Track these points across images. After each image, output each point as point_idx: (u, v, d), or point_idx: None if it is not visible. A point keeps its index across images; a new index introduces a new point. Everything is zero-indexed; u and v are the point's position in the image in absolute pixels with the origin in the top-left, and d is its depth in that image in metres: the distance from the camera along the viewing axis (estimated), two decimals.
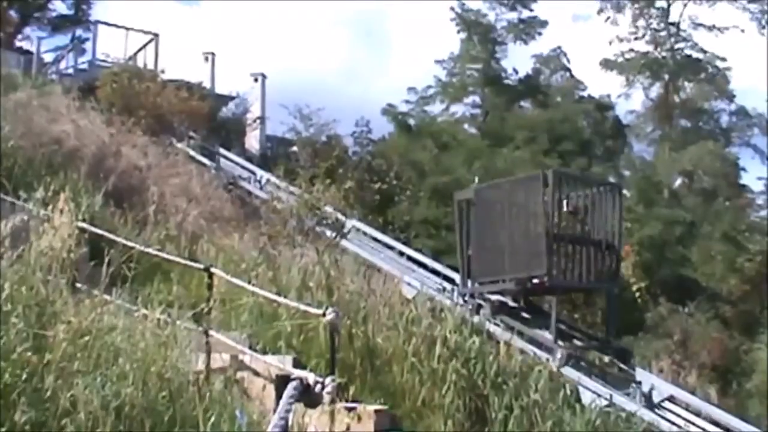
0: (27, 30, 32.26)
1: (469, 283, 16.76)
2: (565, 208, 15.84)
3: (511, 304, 16.72)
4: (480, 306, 16.02)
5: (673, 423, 14.50)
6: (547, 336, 15.13)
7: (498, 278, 16.34)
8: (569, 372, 13.99)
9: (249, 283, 11.33)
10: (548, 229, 15.34)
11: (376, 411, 9.79)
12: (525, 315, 16.27)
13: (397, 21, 72.35)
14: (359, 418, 9.45)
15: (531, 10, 45.97)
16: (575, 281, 16.15)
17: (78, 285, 8.80)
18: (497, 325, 14.95)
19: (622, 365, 15.66)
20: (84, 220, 10.71)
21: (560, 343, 15.03)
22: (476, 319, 14.51)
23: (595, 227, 16.07)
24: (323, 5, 66.34)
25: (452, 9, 45.12)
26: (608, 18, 47.97)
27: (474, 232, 16.78)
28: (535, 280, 15.66)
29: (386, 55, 71.52)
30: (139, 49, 27.34)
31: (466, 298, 16.48)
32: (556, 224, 15.55)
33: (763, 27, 45.67)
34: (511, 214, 16.33)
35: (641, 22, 47.45)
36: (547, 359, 13.91)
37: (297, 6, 68.74)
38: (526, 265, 15.68)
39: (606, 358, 15.72)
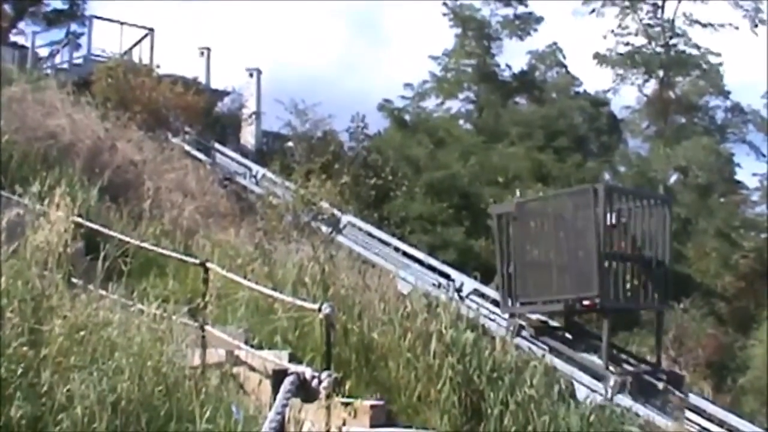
0: (22, 24, 32.16)
1: (510, 303, 15.74)
2: (609, 222, 14.75)
3: (552, 323, 15.97)
4: (522, 327, 15.25)
5: None
6: (597, 361, 14.32)
7: (543, 299, 15.39)
8: (622, 400, 13.39)
9: (245, 278, 11.35)
10: (599, 246, 14.33)
11: (371, 406, 9.82)
12: (568, 336, 15.52)
13: (394, 15, 72.31)
14: (355, 413, 9.46)
15: (526, 6, 45.97)
16: (626, 302, 15.29)
17: (74, 280, 8.79)
18: (543, 348, 14.44)
19: (675, 391, 14.64)
20: (80, 215, 10.69)
21: (611, 368, 14.12)
22: (518, 341, 14.33)
23: (645, 243, 15.12)
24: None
25: (445, 4, 45.10)
26: (593, 10, 47.90)
27: (515, 248, 15.70)
28: (586, 302, 14.74)
29: (383, 49, 71.53)
30: (135, 44, 27.30)
31: (506, 318, 15.78)
32: (607, 241, 14.55)
33: (756, 25, 45.71)
34: (557, 230, 15.35)
35: (634, 17, 47.42)
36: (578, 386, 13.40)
37: (291, 1, 68.65)
38: (576, 285, 14.74)
39: (659, 384, 14.59)
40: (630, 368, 14.83)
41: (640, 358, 16.20)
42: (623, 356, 15.52)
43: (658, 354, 15.90)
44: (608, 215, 14.58)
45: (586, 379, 14.09)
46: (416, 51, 65.81)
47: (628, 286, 14.92)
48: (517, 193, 19.18)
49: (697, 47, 46.63)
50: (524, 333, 15.15)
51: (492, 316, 16.10)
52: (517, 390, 11.23)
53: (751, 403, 24.47)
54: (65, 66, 27.48)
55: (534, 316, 15.66)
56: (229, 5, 66.52)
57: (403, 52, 68.88)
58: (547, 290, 15.25)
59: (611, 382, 13.70)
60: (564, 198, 16.54)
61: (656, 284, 15.14)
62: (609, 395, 13.30)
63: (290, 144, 28.47)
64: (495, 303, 16.91)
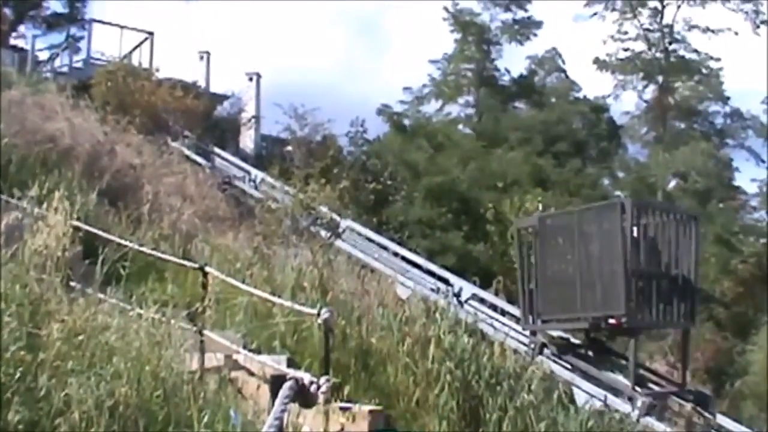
0: (21, 28, 32.23)
1: (531, 320, 15.18)
2: (634, 235, 14.09)
3: (573, 340, 15.47)
4: (544, 345, 14.86)
5: None
6: (623, 381, 13.85)
7: (567, 316, 14.83)
8: (650, 422, 13.11)
9: (243, 282, 11.34)
10: (626, 263, 13.75)
11: (370, 411, 9.79)
12: (589, 353, 15.07)
13: (394, 19, 72.43)
14: (354, 419, 9.45)
15: (526, 11, 46.07)
16: (653, 320, 14.72)
17: (72, 284, 8.78)
18: (566, 367, 14.18)
19: (703, 412, 14.12)
20: (78, 219, 10.68)
21: (638, 389, 13.60)
22: (539, 359, 14.10)
23: (672, 260, 14.52)
24: (319, 4, 66.36)
25: (445, 9, 45.20)
26: (594, 14, 48.03)
27: (538, 264, 15.16)
28: (612, 321, 14.12)
29: (383, 53, 71.61)
30: (134, 48, 27.30)
31: (527, 335, 15.29)
32: (634, 258, 13.97)
33: (758, 26, 45.76)
34: (581, 246, 14.70)
35: (634, 22, 47.51)
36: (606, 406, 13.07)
37: (293, 4, 68.73)
38: (601, 303, 14.12)
39: (687, 405, 14.01)
40: (656, 388, 14.40)
41: (666, 377, 15.76)
42: (648, 374, 15.07)
43: (684, 374, 15.30)
44: (635, 230, 14.02)
45: (586, 385, 14.07)
46: (417, 55, 66.07)
47: (654, 303, 14.23)
48: (539, 207, 18.57)
49: (697, 52, 46.73)
50: (546, 351, 14.73)
51: (506, 330, 15.50)
52: (516, 395, 11.22)
53: (750, 408, 24.43)
54: (65, 69, 27.49)
55: (554, 333, 15.27)
56: (229, 9, 66.67)
57: (403, 56, 69.06)
58: (570, 307, 14.65)
59: (639, 404, 13.25)
60: (589, 212, 15.90)
61: (683, 302, 14.54)
62: (637, 417, 12.89)
63: (289, 148, 28.44)
64: (498, 310, 16.89)
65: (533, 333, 15.18)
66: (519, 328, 15.58)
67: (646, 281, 14.16)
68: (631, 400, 13.35)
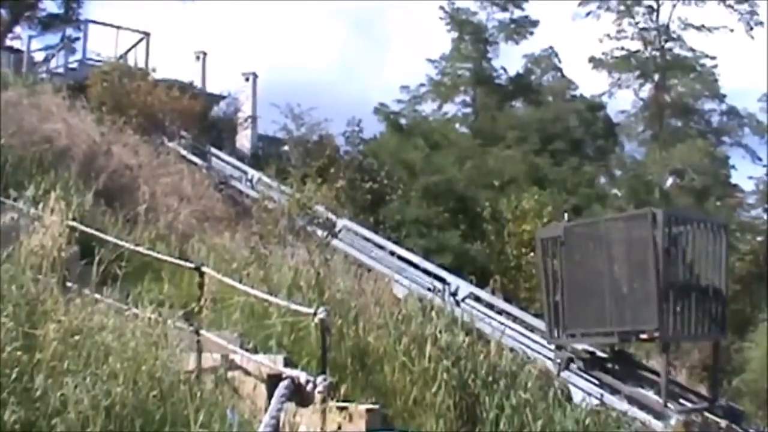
0: (17, 29, 32.15)
1: (557, 334, 14.77)
2: (659, 246, 13.60)
3: (598, 353, 14.98)
4: (571, 360, 14.56)
5: None
6: (653, 397, 13.55)
7: (595, 330, 14.41)
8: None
9: (240, 282, 11.34)
10: (658, 275, 13.31)
11: (367, 410, 9.81)
12: (614, 366, 14.73)
13: (392, 18, 72.47)
14: (351, 417, 9.46)
15: (522, 10, 46.11)
16: (685, 334, 14.37)
17: (68, 284, 8.79)
18: (594, 383, 13.97)
19: (738, 429, 13.89)
20: (74, 219, 10.69)
21: (671, 405, 13.37)
22: (565, 374, 13.98)
23: (702, 271, 14.14)
24: (316, 3, 66.34)
25: (441, 8, 45.24)
26: (589, 13, 48.07)
27: (564, 275, 14.68)
28: (643, 335, 13.85)
29: (380, 53, 71.57)
30: (130, 48, 27.25)
31: (552, 349, 15.07)
32: (666, 270, 13.51)
33: (751, 27, 45.82)
34: (610, 257, 14.33)
35: (630, 21, 47.54)
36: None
37: (289, 4, 68.67)
38: (632, 316, 13.73)
39: (721, 422, 13.74)
40: (688, 404, 14.08)
41: (695, 391, 15.46)
42: (677, 389, 14.69)
43: (715, 388, 15.15)
44: (666, 241, 13.60)
45: (583, 383, 14.08)
46: (414, 54, 65.85)
47: (686, 316, 13.82)
48: (565, 217, 18.20)
49: (692, 51, 46.76)
50: (574, 366, 14.45)
51: (530, 343, 15.62)
52: (513, 394, 11.24)
53: (748, 405, 24.43)
54: (61, 70, 27.46)
55: (580, 346, 14.94)
56: (226, 9, 66.65)
57: (400, 55, 68.98)
58: (599, 321, 14.19)
59: (672, 421, 13.04)
60: (618, 222, 15.52)
61: (713, 313, 14.20)
62: None
63: (286, 148, 28.45)
64: (494, 309, 16.87)
65: (558, 347, 14.83)
66: (541, 340, 15.44)
67: (677, 293, 13.68)
68: (662, 417, 13.05)
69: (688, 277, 14.03)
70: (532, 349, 15.13)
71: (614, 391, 13.65)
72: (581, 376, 14.19)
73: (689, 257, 14.06)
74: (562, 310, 14.58)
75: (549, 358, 14.93)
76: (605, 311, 14.02)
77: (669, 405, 13.27)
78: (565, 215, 18.42)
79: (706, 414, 13.82)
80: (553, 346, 15.13)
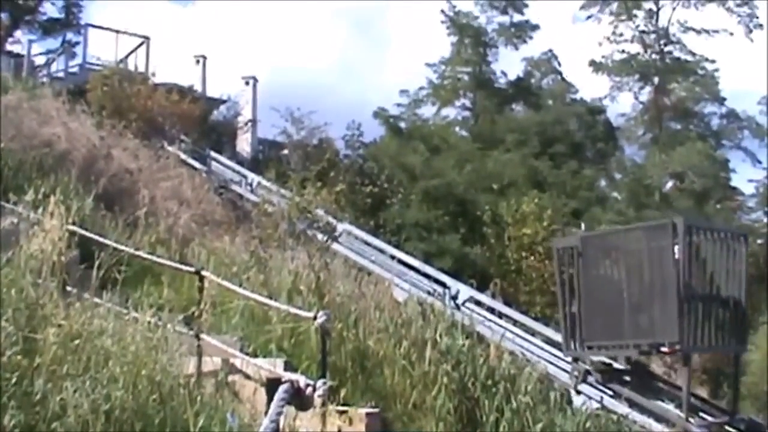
0: (18, 33, 32.21)
1: (574, 346, 14.56)
2: (677, 256, 13.34)
3: (615, 364, 14.69)
4: (588, 372, 14.32)
5: None
6: (674, 411, 13.39)
7: (614, 342, 14.14)
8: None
9: (240, 286, 11.34)
10: (679, 287, 13.06)
11: (367, 413, 9.81)
12: (632, 378, 14.47)
13: (392, 21, 72.46)
14: (351, 421, 9.46)
15: (523, 14, 46.15)
16: (706, 346, 14.13)
17: (68, 288, 8.79)
18: (610, 395, 13.82)
19: None
20: (74, 223, 10.68)
21: (692, 420, 13.12)
22: (582, 387, 13.92)
23: (722, 282, 13.84)
24: (316, 6, 66.44)
25: (442, 11, 45.27)
26: (590, 16, 48.17)
27: (581, 287, 14.43)
28: (664, 348, 13.53)
29: (381, 55, 71.61)
30: (130, 52, 27.31)
31: (569, 361, 14.86)
32: (686, 281, 13.22)
33: (751, 30, 45.87)
34: (629, 268, 14.03)
35: (629, 24, 47.57)
36: None
37: (289, 7, 68.77)
38: (652, 329, 13.50)
39: None
40: (709, 418, 13.80)
41: (715, 404, 15.24)
42: (697, 402, 14.37)
43: (735, 402, 14.90)
44: (686, 251, 13.34)
45: (582, 386, 14.07)
46: (414, 57, 66.04)
47: (707, 328, 13.52)
48: (582, 227, 17.95)
49: (692, 54, 46.79)
50: (591, 379, 14.27)
51: (545, 355, 15.54)
52: (513, 397, 11.23)
53: (748, 408, 24.40)
54: (61, 74, 27.51)
55: (596, 358, 14.69)
56: (225, 13, 66.69)
57: (401, 58, 69.00)
58: (617, 333, 13.96)
59: None
60: (637, 232, 15.22)
61: (734, 325, 13.95)
62: None
63: (286, 152, 28.50)
64: (495, 312, 16.86)
65: (575, 359, 14.61)
66: (555, 352, 15.37)
67: (698, 305, 13.40)
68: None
69: (708, 288, 13.73)
70: (532, 353, 15.11)
71: (633, 404, 13.44)
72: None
73: (709, 268, 13.76)
74: (579, 321, 14.36)
75: (549, 362, 14.93)
76: (624, 323, 13.83)
77: (691, 420, 13.03)
78: (582, 225, 18.18)
79: (727, 428, 13.59)
80: (551, 347, 15.15)
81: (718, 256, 13.83)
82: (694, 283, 13.44)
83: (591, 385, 14.20)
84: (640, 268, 13.90)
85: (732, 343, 14.18)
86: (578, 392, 13.65)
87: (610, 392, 13.88)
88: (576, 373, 14.33)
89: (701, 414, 13.80)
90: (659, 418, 13.21)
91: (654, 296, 13.54)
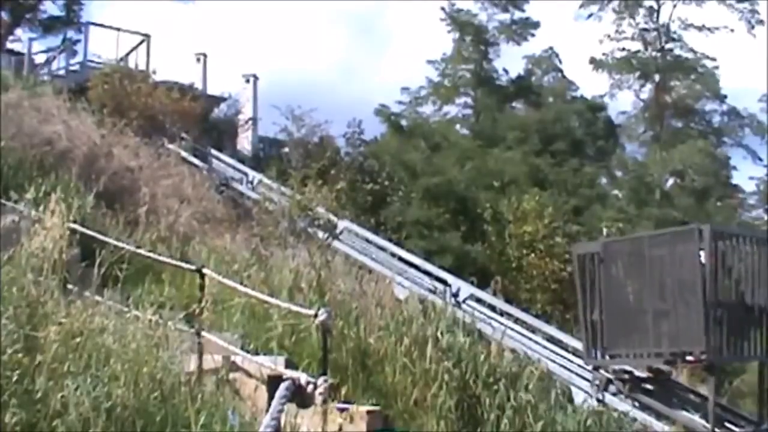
0: (18, 31, 32.21)
1: (595, 354, 14.25)
2: (703, 260, 12.98)
3: (637, 373, 14.29)
4: (609, 381, 14.09)
5: None
6: (699, 421, 13.22)
7: (637, 351, 13.84)
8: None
9: (241, 284, 11.33)
10: (705, 294, 12.75)
11: (368, 411, 9.80)
12: (650, 386, 14.21)
13: (393, 19, 72.44)
14: (351, 419, 9.45)
15: (523, 11, 46.12)
16: (733, 355, 13.79)
17: (69, 286, 8.78)
18: (633, 405, 13.64)
19: None
20: (75, 221, 10.68)
21: (718, 431, 12.88)
22: (602, 396, 13.72)
23: (749, 289, 13.44)
24: (316, 4, 66.34)
25: (442, 9, 45.26)
26: (591, 15, 48.17)
27: (603, 294, 14.10)
28: (690, 357, 13.22)
29: (381, 54, 71.58)
30: (131, 50, 27.30)
31: (590, 370, 14.64)
32: (713, 288, 12.91)
33: (753, 27, 45.83)
34: (653, 275, 13.65)
35: (630, 22, 47.57)
36: None
37: (290, 6, 68.72)
38: (677, 338, 13.15)
39: None
40: (735, 428, 13.62)
41: (740, 413, 14.88)
42: (721, 412, 14.04)
43: (761, 412, 14.33)
44: (712, 258, 12.99)
45: (584, 384, 14.07)
46: (415, 55, 65.99)
47: (733, 337, 13.22)
48: (604, 232, 17.67)
49: (693, 51, 46.78)
50: (613, 388, 14.05)
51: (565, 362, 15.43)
52: (514, 395, 11.23)
53: (749, 406, 24.37)
54: (62, 72, 27.50)
55: (617, 366, 14.32)
56: (226, 11, 66.67)
57: (402, 56, 68.97)
58: (641, 342, 13.65)
59: None
60: (661, 238, 14.81)
61: (761, 333, 13.49)
62: None
63: (286, 150, 28.45)
64: (496, 310, 16.85)
65: (596, 368, 14.40)
66: (576, 359, 15.24)
67: (725, 313, 13.04)
68: None
69: (734, 295, 13.37)
70: (533, 350, 15.11)
71: (659, 416, 13.33)
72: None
73: (735, 274, 13.42)
74: (600, 329, 14.05)
75: (551, 360, 14.92)
76: (648, 331, 13.52)
77: (717, 430, 12.83)
78: (604, 230, 17.90)
79: None
80: (552, 344, 15.11)
81: (744, 261, 13.48)
82: (720, 291, 13.11)
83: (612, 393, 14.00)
84: (664, 274, 13.55)
85: (759, 352, 13.67)
86: (600, 402, 13.39)
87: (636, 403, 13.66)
88: (597, 381, 14.12)
89: (726, 424, 13.56)
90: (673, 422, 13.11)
91: (678, 304, 13.22)
